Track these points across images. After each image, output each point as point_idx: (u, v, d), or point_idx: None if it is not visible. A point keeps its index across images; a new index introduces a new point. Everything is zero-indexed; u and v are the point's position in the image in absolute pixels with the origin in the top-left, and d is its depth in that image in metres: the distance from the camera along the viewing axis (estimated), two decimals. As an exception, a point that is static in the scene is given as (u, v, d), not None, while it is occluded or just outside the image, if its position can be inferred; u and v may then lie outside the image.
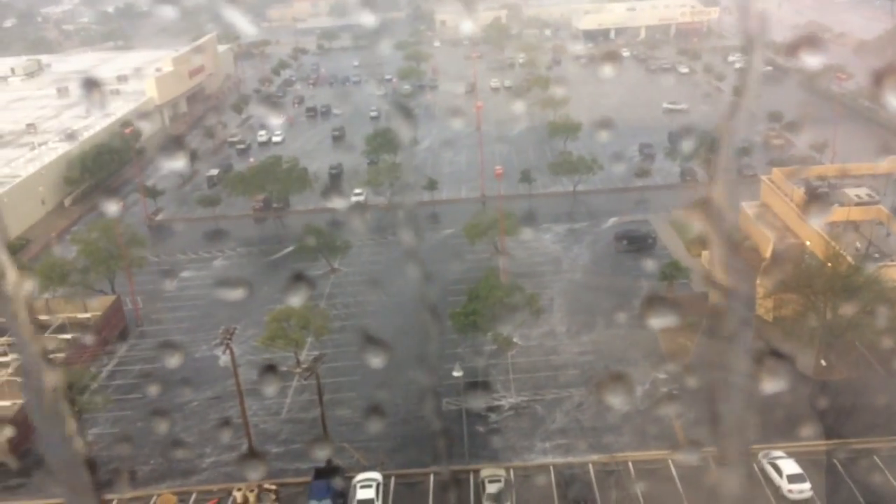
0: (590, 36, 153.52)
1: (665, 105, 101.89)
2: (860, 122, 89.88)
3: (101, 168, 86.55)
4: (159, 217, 77.29)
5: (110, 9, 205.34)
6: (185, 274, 63.98)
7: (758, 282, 50.10)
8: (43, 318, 53.75)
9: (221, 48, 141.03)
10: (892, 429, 39.77)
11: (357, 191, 76.68)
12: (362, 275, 60.67)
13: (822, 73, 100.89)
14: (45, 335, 51.48)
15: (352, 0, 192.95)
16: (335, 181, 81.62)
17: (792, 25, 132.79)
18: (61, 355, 48.91)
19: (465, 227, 60.53)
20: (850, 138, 74.68)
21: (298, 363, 47.66)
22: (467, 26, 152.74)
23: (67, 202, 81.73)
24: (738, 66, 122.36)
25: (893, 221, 54.55)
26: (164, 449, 42.70)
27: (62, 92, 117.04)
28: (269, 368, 43.02)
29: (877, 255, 50.55)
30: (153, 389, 47.79)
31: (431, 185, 73.83)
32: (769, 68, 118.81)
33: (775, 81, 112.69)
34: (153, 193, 77.60)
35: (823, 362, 43.92)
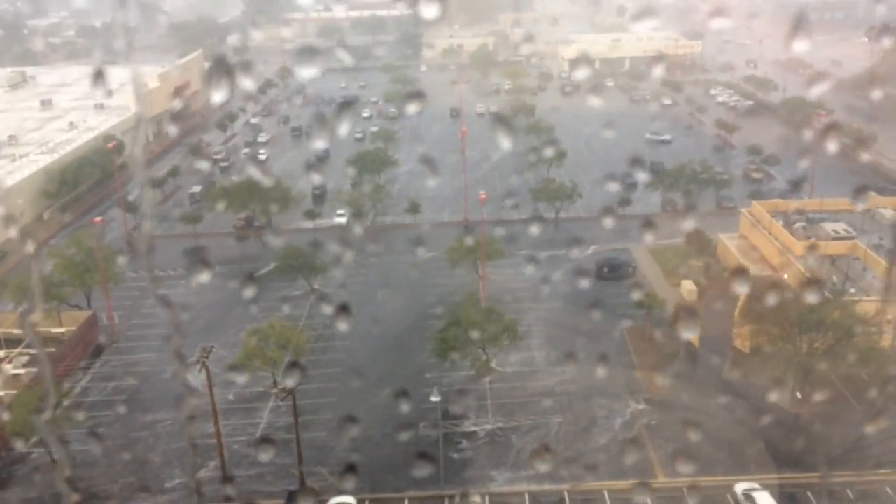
0: (575, 65, 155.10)
1: (648, 135, 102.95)
2: (839, 158, 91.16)
3: (82, 182, 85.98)
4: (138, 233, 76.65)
5: (98, 23, 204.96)
6: (161, 291, 63.36)
7: (735, 313, 50.60)
8: (16, 331, 52.99)
9: (207, 66, 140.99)
10: (865, 462, 39.98)
11: (340, 211, 76.74)
12: (343, 296, 60.41)
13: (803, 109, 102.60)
14: (18, 349, 50.74)
15: (341, 23, 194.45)
16: (318, 201, 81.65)
17: (772, 62, 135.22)
18: (33, 370, 48.22)
19: (446, 250, 60.54)
20: (829, 174, 75.66)
21: (275, 384, 47.27)
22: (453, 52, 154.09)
23: (46, 215, 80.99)
24: (719, 98, 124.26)
25: (870, 256, 55.24)
26: (135, 468, 42.06)
27: (45, 104, 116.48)
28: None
29: (853, 290, 51.11)
30: (126, 407, 47.16)
31: (414, 208, 73.92)
32: (750, 103, 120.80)
33: (756, 116, 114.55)
34: (133, 209, 77.10)
35: (798, 395, 44.17)
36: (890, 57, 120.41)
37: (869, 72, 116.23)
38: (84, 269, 56.43)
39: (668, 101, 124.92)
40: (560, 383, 48.19)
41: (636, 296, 53.75)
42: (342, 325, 47.21)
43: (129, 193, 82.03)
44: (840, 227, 59.76)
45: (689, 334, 46.17)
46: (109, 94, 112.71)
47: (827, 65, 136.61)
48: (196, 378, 42.87)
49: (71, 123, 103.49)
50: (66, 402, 45.11)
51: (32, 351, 50.61)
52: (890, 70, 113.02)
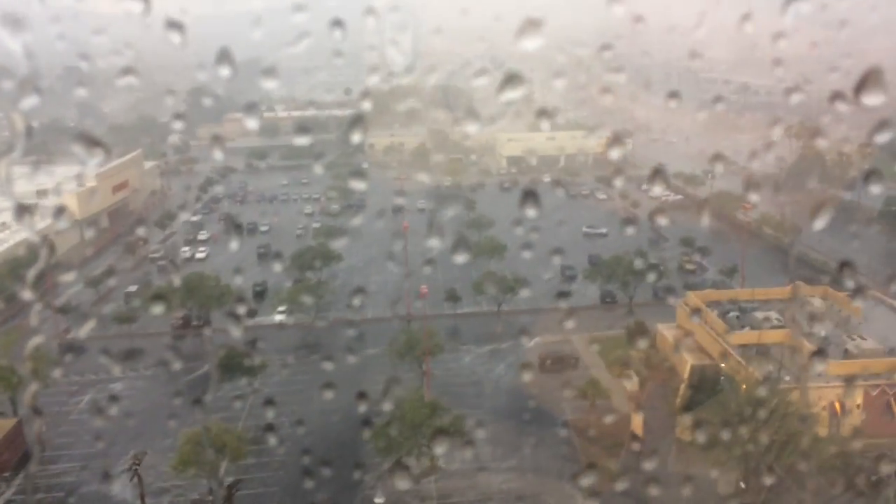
0: (513, 161, 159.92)
1: (585, 229, 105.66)
2: (765, 248, 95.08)
3: (11, 284, 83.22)
4: (70, 335, 74.13)
5: (35, 123, 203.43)
6: (90, 396, 60.90)
7: (677, 403, 51.16)
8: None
9: (148, 164, 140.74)
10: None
11: (280, 309, 75.82)
12: (283, 395, 58.99)
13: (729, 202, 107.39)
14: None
15: (283, 122, 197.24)
16: (259, 299, 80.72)
17: (698, 156, 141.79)
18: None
19: (388, 347, 60.05)
20: (757, 264, 78.67)
21: (211, 491, 45.34)
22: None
23: (-28, 318, 77.80)
24: (650, 194, 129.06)
25: (801, 344, 56.83)
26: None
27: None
28: None
29: (787, 379, 52.28)
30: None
31: (356, 304, 73.56)
32: (679, 197, 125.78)
33: (684, 209, 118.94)
34: (64, 310, 74.83)
35: (742, 484, 44.32)
36: (807, 152, 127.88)
37: (787, 169, 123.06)
38: (10, 374, 54.01)
39: (602, 196, 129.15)
40: (507, 480, 47.44)
41: (579, 387, 53.93)
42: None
43: (60, 295, 79.71)
44: (772, 315, 61.61)
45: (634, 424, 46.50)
46: (44, 194, 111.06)
47: (748, 161, 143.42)
48: (127, 487, 40.99)
49: (3, 224, 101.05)
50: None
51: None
52: (806, 167, 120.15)
